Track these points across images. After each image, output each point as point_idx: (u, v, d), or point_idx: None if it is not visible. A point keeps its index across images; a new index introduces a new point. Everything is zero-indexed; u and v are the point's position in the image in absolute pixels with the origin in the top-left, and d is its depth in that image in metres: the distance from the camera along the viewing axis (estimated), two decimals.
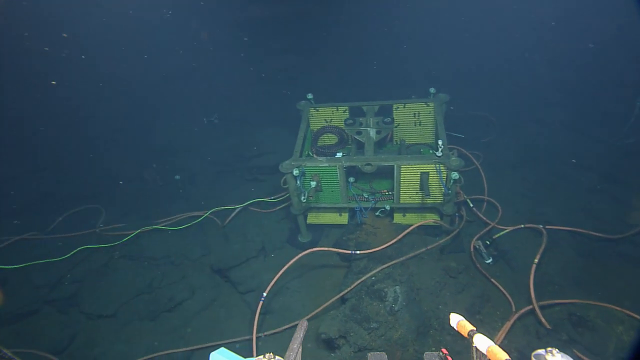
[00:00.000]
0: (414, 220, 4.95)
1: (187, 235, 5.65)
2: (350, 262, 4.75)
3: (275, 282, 4.30)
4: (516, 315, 3.96)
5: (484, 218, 5.20)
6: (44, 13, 7.22)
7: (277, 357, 1.81)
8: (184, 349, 4.25)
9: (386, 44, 8.54)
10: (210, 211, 5.93)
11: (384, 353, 2.31)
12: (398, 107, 5.32)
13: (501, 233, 4.96)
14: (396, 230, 4.86)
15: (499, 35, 7.85)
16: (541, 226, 4.78)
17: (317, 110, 5.58)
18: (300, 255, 4.39)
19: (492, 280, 4.45)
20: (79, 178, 7.13)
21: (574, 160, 5.99)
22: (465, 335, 1.99)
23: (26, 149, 7.38)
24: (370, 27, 8.67)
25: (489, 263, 4.74)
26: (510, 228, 4.95)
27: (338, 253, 4.84)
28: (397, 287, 4.02)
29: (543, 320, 3.85)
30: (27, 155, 7.28)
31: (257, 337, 4.09)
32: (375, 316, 3.76)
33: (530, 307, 4.00)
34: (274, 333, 4.30)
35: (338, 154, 5.15)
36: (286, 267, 4.33)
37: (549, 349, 1.69)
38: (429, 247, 4.56)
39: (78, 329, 4.63)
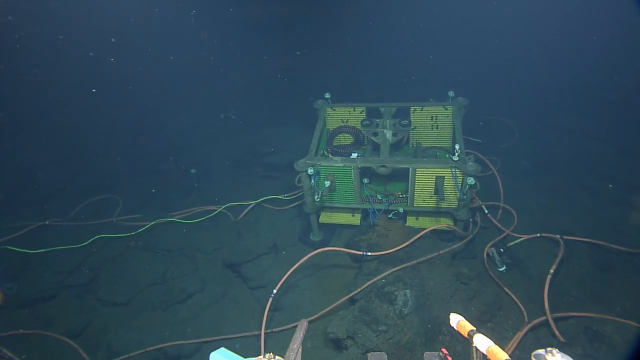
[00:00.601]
0: (427, 224, 4.91)
1: (200, 229, 5.73)
2: (361, 263, 4.74)
3: (286, 279, 4.32)
4: (529, 326, 3.89)
5: (499, 225, 5.11)
6: (90, 20, 7.61)
7: (277, 357, 1.81)
8: (194, 341, 4.32)
9: (403, 46, 8.51)
10: (224, 206, 6.00)
11: (383, 353, 2.31)
12: (415, 110, 5.28)
13: (516, 241, 4.88)
14: (408, 233, 4.83)
15: (519, 38, 7.72)
16: (558, 236, 4.68)
17: (334, 110, 5.58)
18: (311, 254, 4.40)
19: (505, 288, 4.38)
20: (99, 168, 7.32)
21: (595, 170, 5.84)
22: (465, 335, 1.98)
23: (52, 138, 7.66)
24: (388, 28, 8.66)
25: (502, 271, 4.67)
26: (526, 236, 4.87)
27: (349, 254, 4.83)
28: (408, 290, 4.00)
29: (557, 332, 3.77)
30: (52, 145, 7.54)
31: (265, 333, 4.12)
32: (384, 319, 3.74)
33: (544, 318, 3.92)
34: (283, 330, 4.33)
35: (353, 154, 5.15)
36: (297, 265, 4.34)
37: (549, 349, 1.67)
38: (441, 252, 4.52)
39: (93, 315, 4.75)
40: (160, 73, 8.83)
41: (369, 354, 2.31)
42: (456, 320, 2.10)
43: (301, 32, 9.19)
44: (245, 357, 1.84)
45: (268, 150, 7.32)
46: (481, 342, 1.86)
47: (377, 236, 4.93)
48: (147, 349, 4.22)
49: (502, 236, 5.00)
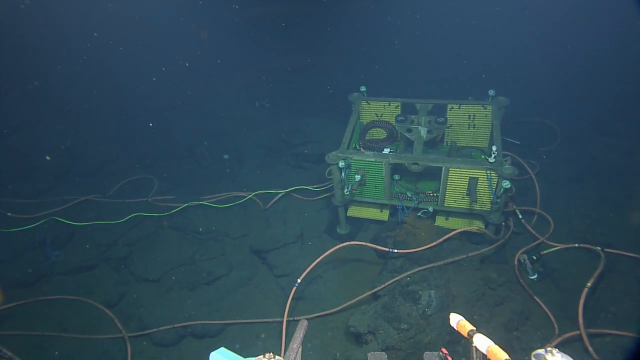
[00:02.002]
0: (457, 225, 4.80)
1: (230, 214, 5.88)
2: (386, 259, 4.71)
3: (311, 270, 4.37)
4: (559, 339, 3.73)
5: (533, 231, 4.92)
6: (129, 16, 8.06)
7: (277, 357, 1.84)
8: (219, 322, 4.48)
9: (439, 43, 8.28)
10: (254, 193, 6.12)
11: (383, 353, 2.30)
12: (452, 108, 5.13)
13: (551, 250, 4.67)
14: (437, 233, 4.74)
15: (568, 37, 7.30)
16: (599, 248, 4.42)
17: (369, 104, 5.52)
18: (337, 246, 4.42)
19: (535, 297, 4.23)
20: (139, 149, 7.65)
21: None
22: (465, 335, 1.95)
23: (96, 120, 8.16)
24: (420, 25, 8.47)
25: (534, 279, 4.50)
26: (562, 246, 4.65)
27: (375, 249, 4.81)
28: (432, 291, 3.94)
29: (590, 349, 3.58)
30: (97, 125, 8.00)
31: (287, 321, 4.21)
32: (406, 317, 3.72)
33: (577, 332, 3.73)
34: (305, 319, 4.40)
35: (386, 149, 5.09)
36: (323, 256, 4.38)
37: (549, 348, 1.62)
38: (469, 255, 4.41)
39: (127, 288, 5.02)
40: (198, 61, 9.07)
41: (369, 354, 2.30)
42: (456, 320, 2.07)
43: (336, 25, 9.17)
44: (245, 357, 1.87)
45: (300, 141, 7.36)
46: (481, 342, 1.83)
47: (404, 234, 4.87)
48: (175, 326, 4.42)
49: (535, 243, 4.81)
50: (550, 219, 5.04)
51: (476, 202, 4.34)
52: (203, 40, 9.07)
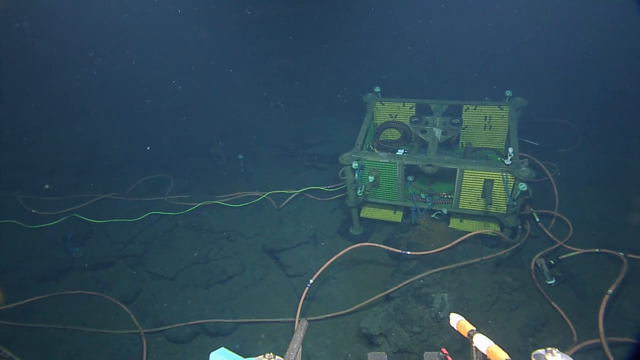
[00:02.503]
0: (472, 228, 4.73)
1: (243, 214, 5.94)
2: (399, 261, 4.68)
3: (323, 271, 4.37)
4: (578, 347, 3.63)
5: (551, 235, 4.81)
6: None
7: (277, 357, 1.84)
8: (231, 320, 4.52)
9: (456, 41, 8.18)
10: (268, 193, 6.16)
11: (383, 353, 2.28)
12: (468, 109, 5.05)
13: (570, 254, 4.56)
14: (451, 235, 4.68)
15: (590, 35, 7.09)
16: (622, 254, 4.28)
17: (383, 104, 5.49)
18: (350, 247, 4.41)
19: (553, 303, 4.13)
20: (155, 148, 7.80)
21: None
22: (465, 335, 1.94)
23: (115, 120, 8.38)
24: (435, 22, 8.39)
25: (551, 284, 4.40)
26: (582, 250, 4.53)
27: (387, 251, 4.79)
28: (446, 294, 3.89)
29: (611, 358, 3.45)
30: (115, 125, 8.22)
31: (299, 321, 4.22)
32: (419, 320, 3.68)
33: (597, 340, 3.61)
34: (316, 320, 4.41)
35: (399, 150, 5.05)
36: (335, 257, 4.37)
37: (549, 348, 1.61)
38: (484, 258, 4.34)
39: (144, 285, 5.13)
40: (214, 61, 9.24)
41: (369, 354, 2.29)
42: (456, 320, 2.06)
43: (352, 24, 9.16)
44: (245, 357, 1.89)
45: (315, 141, 7.39)
46: (481, 342, 1.82)
47: (417, 235, 4.83)
48: (189, 323, 4.49)
49: (553, 247, 4.70)
50: (569, 222, 4.92)
51: (491, 204, 4.26)
52: (207, 40, 9.24)
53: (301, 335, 2.45)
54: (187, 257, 5.30)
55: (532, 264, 4.49)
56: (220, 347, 2.01)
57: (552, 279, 4.42)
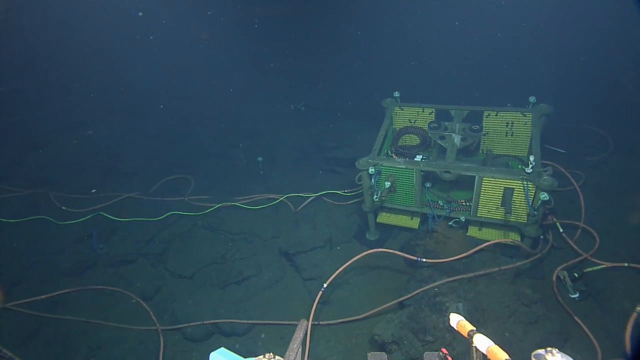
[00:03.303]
0: (491, 237, 4.62)
1: (261, 216, 6.01)
2: (415, 268, 4.62)
3: (336, 276, 4.37)
4: None
5: (576, 247, 4.62)
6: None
7: (277, 357, 1.86)
8: (246, 321, 4.59)
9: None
10: (286, 196, 6.22)
11: (383, 353, 2.27)
12: (489, 115, 4.94)
13: (595, 267, 4.37)
14: (468, 243, 4.59)
15: (623, 38, 6.79)
16: None
17: (402, 110, 5.45)
18: (365, 253, 4.38)
19: (576, 318, 3.97)
20: (178, 149, 8.03)
21: None
22: (465, 335, 1.93)
23: (139, 121, 8.64)
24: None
25: (575, 298, 4.24)
26: (609, 264, 4.33)
27: (404, 257, 4.74)
28: (460, 303, 3.81)
29: None
30: (143, 125, 8.50)
31: (312, 325, 4.24)
32: (432, 329, 3.63)
33: None
34: (329, 324, 4.42)
35: (418, 156, 4.99)
36: (350, 262, 4.35)
37: (549, 348, 1.61)
38: (502, 268, 4.22)
39: (163, 283, 5.27)
40: (235, 63, 9.45)
41: (369, 354, 2.29)
42: (456, 320, 2.06)
43: (371, 28, 9.18)
44: (245, 357, 1.91)
45: (333, 144, 7.40)
46: (481, 342, 1.81)
47: (434, 242, 4.76)
48: (204, 322, 4.59)
49: (577, 259, 4.53)
50: (595, 234, 4.72)
51: (511, 213, 4.15)
52: (231, 43, 9.45)
53: (301, 336, 2.48)
54: (205, 257, 5.41)
55: (554, 276, 4.34)
56: (220, 347, 2.04)
57: (575, 293, 4.26)
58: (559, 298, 4.17)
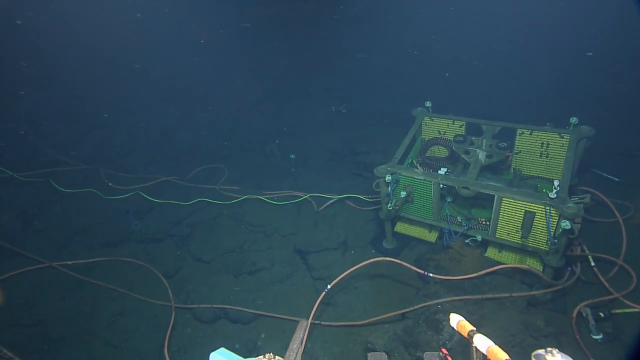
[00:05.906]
0: (509, 260, 4.39)
1: (283, 211, 6.17)
2: (425, 283, 4.52)
3: (345, 279, 4.38)
4: None
5: (607, 284, 4.23)
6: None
7: (277, 357, 1.91)
8: (252, 311, 4.76)
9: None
10: (310, 195, 6.33)
11: (383, 353, 2.26)
12: (523, 133, 4.66)
13: (626, 310, 3.99)
14: (483, 264, 4.39)
15: None
16: None
17: (432, 120, 5.32)
18: (371, 260, 4.36)
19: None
20: (219, 139, 8.46)
21: None
22: (465, 335, 1.92)
23: (188, 109, 9.25)
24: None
25: (597, 340, 3.89)
26: None
27: (416, 271, 4.63)
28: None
29: None
30: (193, 115, 9.15)
31: (311, 324, 4.30)
32: (424, 345, 3.54)
33: None
34: (330, 326, 4.45)
35: (442, 169, 4.87)
36: (356, 267, 4.34)
37: (549, 349, 1.61)
38: (513, 295, 3.99)
39: (184, 264, 5.62)
40: (284, 64, 9.77)
41: (369, 354, 2.29)
42: (456, 320, 2.05)
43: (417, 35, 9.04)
44: (245, 357, 1.98)
45: (365, 149, 7.38)
46: (481, 342, 1.81)
47: (448, 259, 4.62)
48: (214, 306, 4.84)
49: (607, 298, 4.14)
50: (633, 274, 4.29)
51: (526, 238, 3.91)
52: (281, 45, 9.77)
53: (301, 336, 2.54)
54: (224, 245, 5.69)
55: (576, 311, 4.01)
56: (221, 347, 2.09)
57: (599, 334, 3.91)
58: (577, 336, 3.85)
